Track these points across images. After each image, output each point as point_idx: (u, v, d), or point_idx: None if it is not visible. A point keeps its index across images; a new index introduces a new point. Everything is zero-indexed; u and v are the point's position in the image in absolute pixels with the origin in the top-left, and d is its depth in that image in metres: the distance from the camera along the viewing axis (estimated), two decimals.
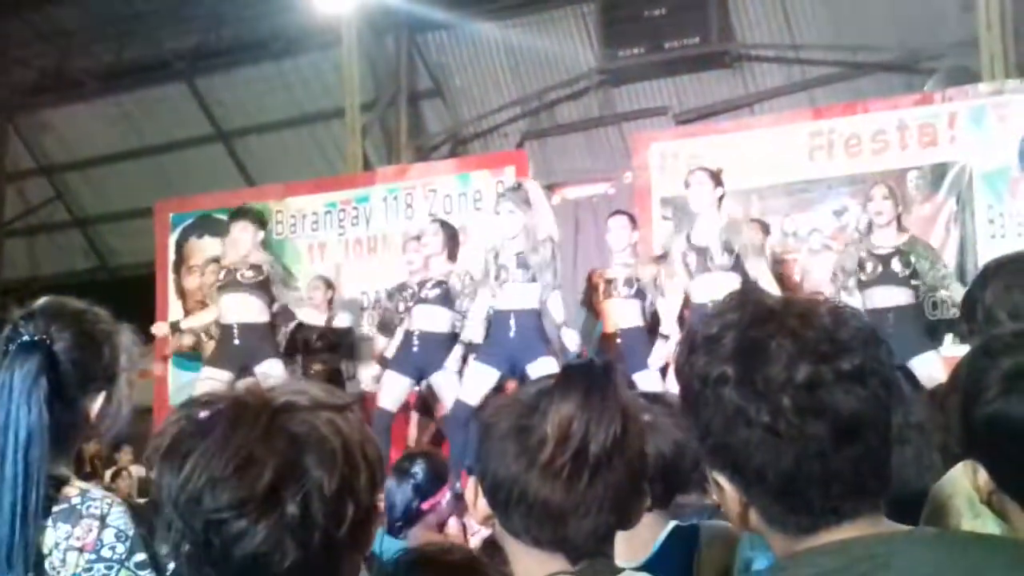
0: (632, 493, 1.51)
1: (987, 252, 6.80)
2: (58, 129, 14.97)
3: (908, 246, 6.43)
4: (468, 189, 8.91)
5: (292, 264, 8.51)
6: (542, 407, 1.47)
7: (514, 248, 6.48)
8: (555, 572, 1.48)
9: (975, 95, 7.84)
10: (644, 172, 8.70)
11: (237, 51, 13.24)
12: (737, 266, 6.22)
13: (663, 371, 6.48)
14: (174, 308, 9.67)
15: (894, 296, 6.33)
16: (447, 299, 6.85)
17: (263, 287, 6.96)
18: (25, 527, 1.79)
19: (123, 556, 1.86)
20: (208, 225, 9.66)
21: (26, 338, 1.91)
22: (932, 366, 6.00)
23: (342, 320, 7.87)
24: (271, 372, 6.55)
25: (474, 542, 3.80)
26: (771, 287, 6.15)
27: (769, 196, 8.22)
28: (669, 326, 6.55)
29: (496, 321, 6.57)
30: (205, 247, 9.64)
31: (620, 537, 1.56)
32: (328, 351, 7.83)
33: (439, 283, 6.89)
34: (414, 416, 7.68)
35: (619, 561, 1.58)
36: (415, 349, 6.83)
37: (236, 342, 6.94)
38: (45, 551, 1.83)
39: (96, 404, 1.99)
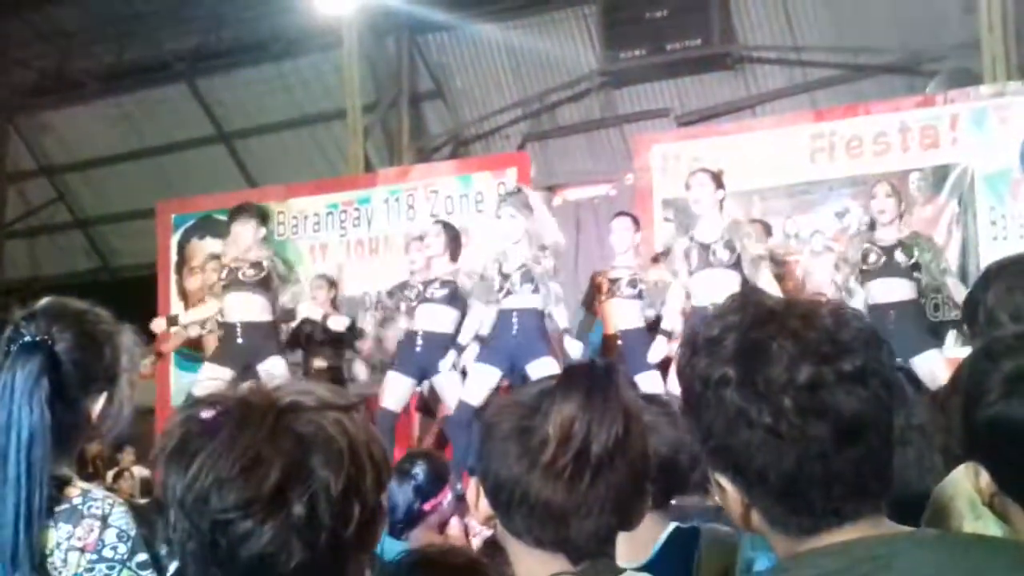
0: (634, 494, 1.51)
1: (989, 254, 6.80)
2: (59, 130, 14.97)
3: (911, 239, 6.44)
4: (469, 191, 8.91)
5: (294, 265, 8.50)
6: (544, 408, 1.47)
7: (518, 258, 6.50)
8: (557, 573, 1.48)
9: (977, 97, 7.84)
10: (645, 174, 8.70)
11: (238, 52, 13.25)
12: (738, 264, 6.25)
13: (664, 368, 6.49)
14: (176, 309, 9.66)
15: (896, 290, 6.32)
16: (453, 299, 6.86)
17: (265, 285, 6.96)
18: (29, 527, 1.79)
19: (124, 556, 1.86)
20: (210, 226, 9.66)
21: (28, 339, 1.91)
22: (934, 364, 6.00)
23: (341, 321, 7.82)
24: (274, 370, 6.56)
25: (476, 543, 3.80)
26: (772, 288, 6.17)
27: (771, 198, 8.22)
28: (671, 322, 6.56)
29: (499, 320, 6.59)
30: (207, 248, 9.63)
31: (621, 538, 1.56)
32: (331, 349, 7.84)
33: (446, 283, 6.89)
34: (416, 416, 7.68)
35: (620, 562, 1.58)
36: (418, 349, 6.84)
37: (239, 341, 6.93)
38: (47, 551, 1.83)
39: (98, 405, 1.99)
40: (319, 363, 7.78)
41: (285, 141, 13.59)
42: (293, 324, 7.61)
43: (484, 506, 1.56)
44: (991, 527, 1.65)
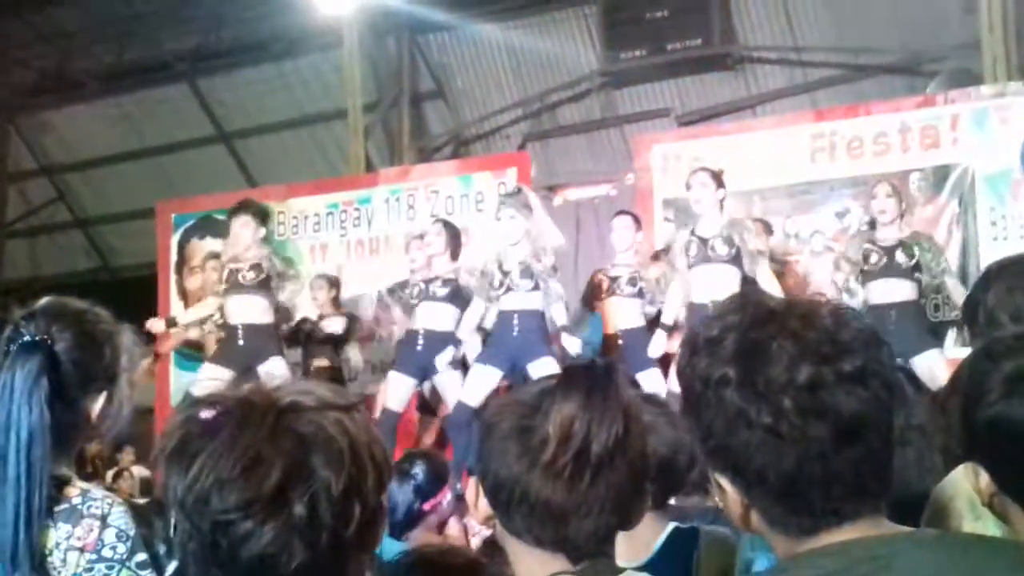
0: (633, 493, 1.51)
1: (989, 254, 6.80)
2: (59, 130, 14.98)
3: (911, 239, 6.45)
4: (470, 190, 8.91)
5: (294, 263, 8.49)
6: (544, 407, 1.47)
7: (518, 256, 6.50)
8: (557, 572, 1.48)
9: (977, 97, 7.84)
10: (646, 174, 8.70)
11: (238, 52, 13.25)
12: (736, 259, 6.27)
13: (664, 364, 6.50)
14: (176, 309, 9.66)
15: (897, 290, 6.32)
16: (455, 297, 6.86)
17: (265, 286, 6.96)
18: (29, 527, 1.79)
19: (124, 556, 1.86)
20: (210, 226, 9.66)
21: (27, 338, 1.91)
22: (934, 364, 6.00)
23: (336, 323, 7.79)
24: (274, 371, 6.56)
25: (475, 543, 3.80)
26: (771, 285, 6.19)
27: (771, 198, 8.22)
28: (670, 316, 6.57)
29: (500, 321, 6.59)
30: (207, 248, 9.64)
31: (621, 538, 1.56)
32: (330, 348, 7.83)
33: (447, 281, 6.89)
34: (417, 416, 7.68)
35: (620, 561, 1.58)
36: (419, 348, 6.83)
37: (240, 343, 6.94)
38: (47, 551, 1.83)
39: (97, 404, 1.99)
40: (319, 363, 7.78)
41: (285, 141, 13.59)
42: (292, 323, 7.60)
43: (484, 506, 1.56)
44: (990, 527, 1.65)
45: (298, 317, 7.62)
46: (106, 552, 1.85)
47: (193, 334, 8.61)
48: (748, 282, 6.26)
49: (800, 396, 1.20)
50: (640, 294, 6.98)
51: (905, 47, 10.48)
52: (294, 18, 11.74)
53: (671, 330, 6.59)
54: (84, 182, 15.25)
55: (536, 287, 6.47)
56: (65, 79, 14.08)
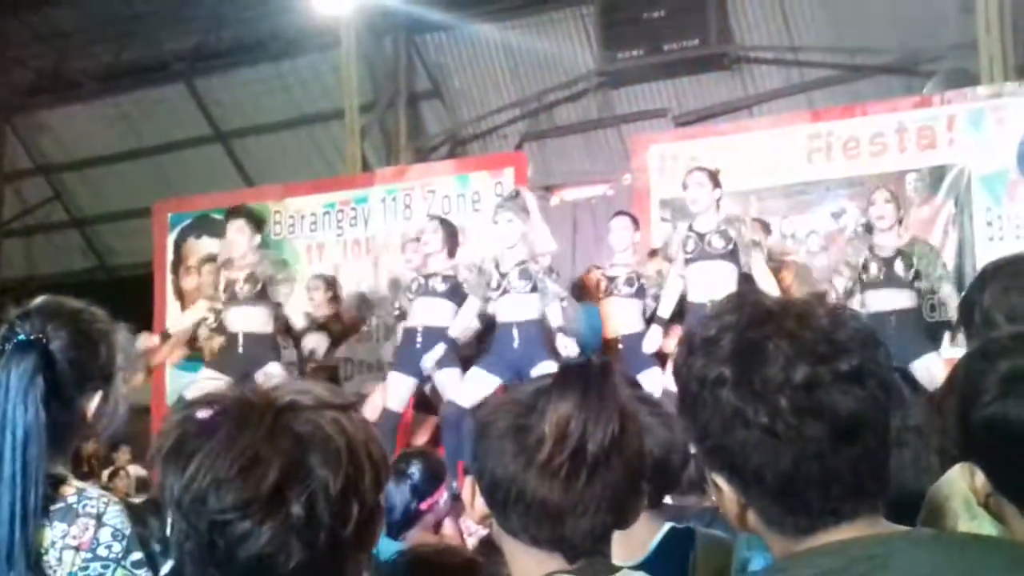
0: (630, 492, 1.51)
1: (985, 255, 6.81)
2: (56, 129, 14.97)
3: (909, 247, 6.47)
4: (467, 190, 8.90)
5: (289, 264, 8.48)
6: (540, 406, 1.47)
7: (514, 258, 6.50)
8: (553, 571, 1.48)
9: (974, 98, 7.84)
10: (643, 174, 8.70)
11: (236, 52, 13.24)
12: (733, 254, 6.28)
13: (662, 360, 6.50)
14: (172, 309, 9.68)
15: (896, 299, 6.37)
16: (454, 293, 6.85)
17: (263, 296, 7.00)
18: (25, 526, 1.79)
19: (119, 555, 1.86)
20: (206, 225, 9.66)
21: (22, 337, 1.91)
22: (933, 368, 6.01)
23: (313, 341, 7.72)
24: (272, 373, 6.57)
25: (471, 542, 3.79)
26: (767, 282, 6.20)
27: (767, 198, 8.22)
28: (667, 310, 6.58)
29: (499, 333, 6.59)
30: (203, 248, 9.64)
31: (616, 537, 1.56)
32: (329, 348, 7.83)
33: (447, 277, 6.89)
34: (412, 415, 7.67)
35: (616, 560, 1.58)
36: (418, 345, 6.81)
37: (240, 351, 6.98)
38: (42, 550, 1.83)
39: (93, 403, 1.99)
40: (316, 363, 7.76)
41: (283, 141, 13.58)
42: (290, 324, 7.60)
43: (480, 505, 1.56)
44: (986, 527, 1.65)
45: (289, 318, 7.54)
46: (101, 551, 1.85)
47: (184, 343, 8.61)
48: (745, 280, 6.27)
49: (796, 396, 1.20)
50: (638, 294, 6.97)
51: (902, 47, 10.49)
52: (292, 18, 11.74)
53: (667, 324, 6.60)
54: (81, 181, 15.24)
55: (534, 288, 6.47)
56: (62, 79, 14.06)
